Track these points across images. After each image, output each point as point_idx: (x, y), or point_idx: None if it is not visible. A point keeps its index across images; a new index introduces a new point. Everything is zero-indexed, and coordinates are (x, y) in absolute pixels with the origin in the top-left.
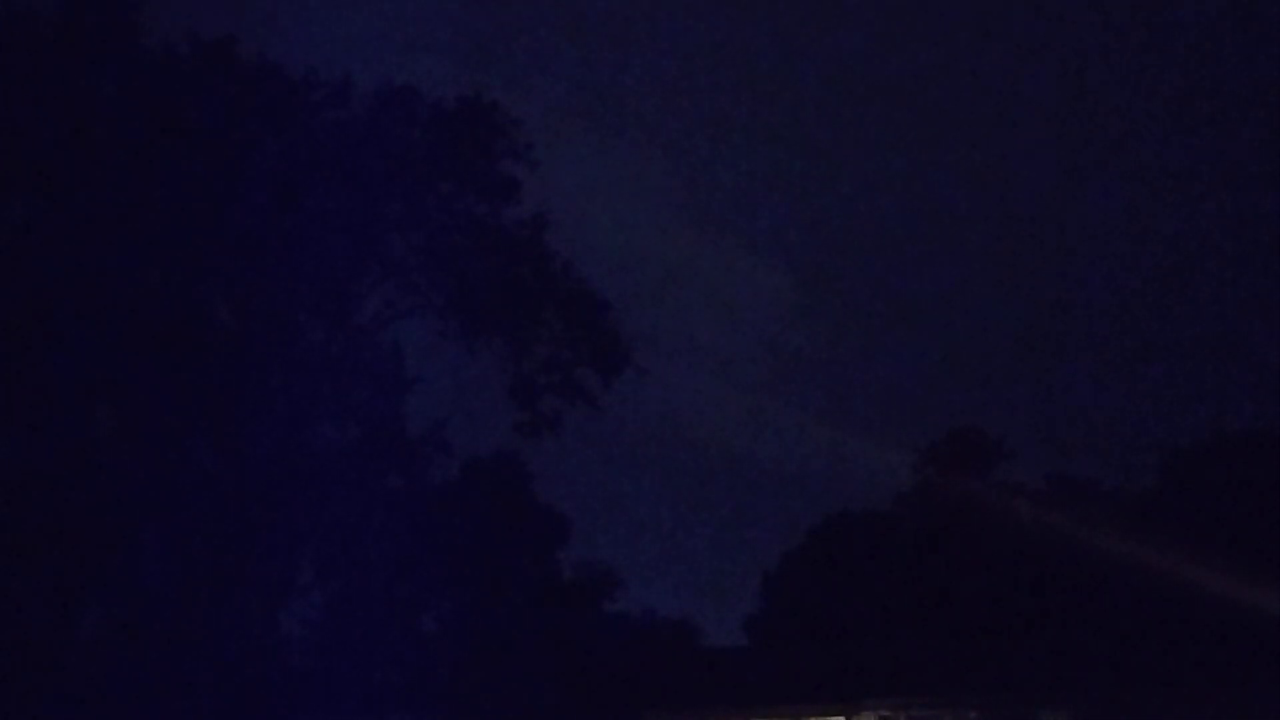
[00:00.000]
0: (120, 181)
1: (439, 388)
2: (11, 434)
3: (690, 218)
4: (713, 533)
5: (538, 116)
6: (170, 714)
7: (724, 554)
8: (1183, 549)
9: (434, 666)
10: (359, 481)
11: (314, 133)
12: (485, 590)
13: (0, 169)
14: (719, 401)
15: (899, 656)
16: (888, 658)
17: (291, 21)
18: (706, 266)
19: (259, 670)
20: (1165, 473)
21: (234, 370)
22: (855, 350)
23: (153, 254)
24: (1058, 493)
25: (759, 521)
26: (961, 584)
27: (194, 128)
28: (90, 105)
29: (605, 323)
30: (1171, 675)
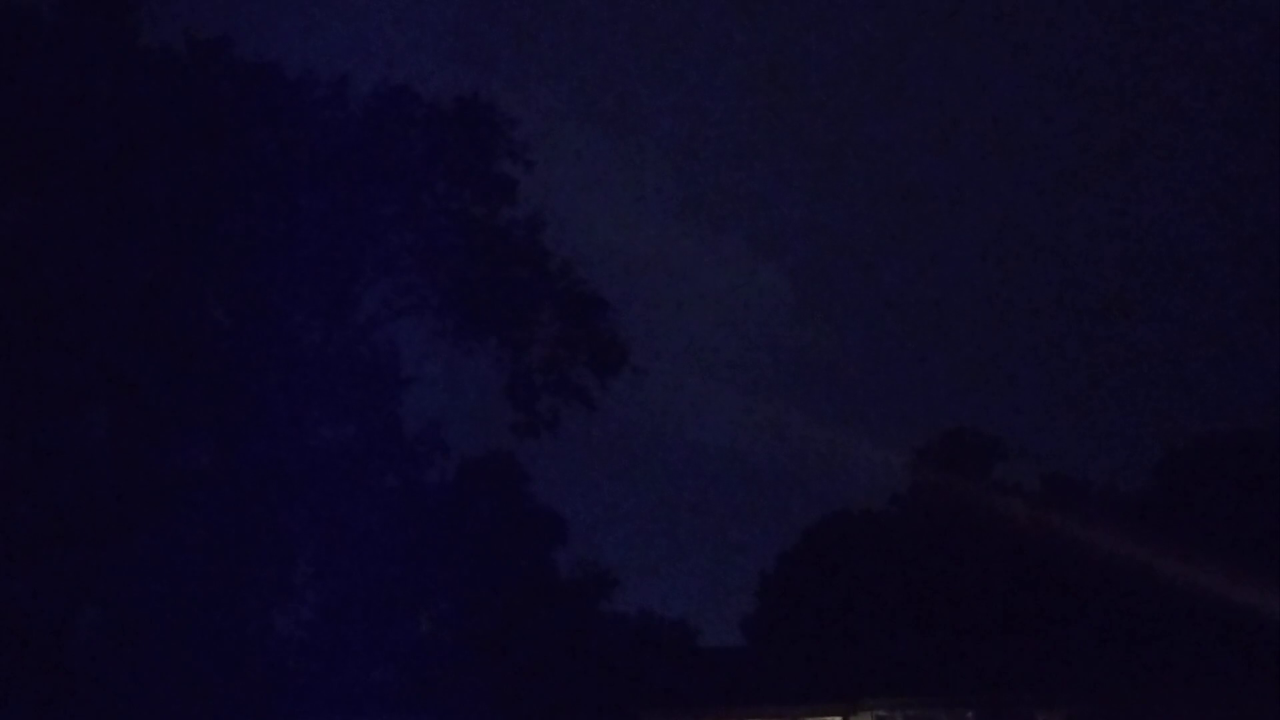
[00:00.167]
0: (116, 180)
1: (435, 387)
2: (6, 433)
3: (687, 217)
4: (710, 533)
5: (535, 116)
6: (167, 714)
7: (721, 554)
8: (1178, 549)
9: (430, 667)
10: (355, 481)
11: (311, 132)
12: (482, 591)
13: None
14: (716, 402)
15: (896, 656)
16: (885, 658)
17: (289, 21)
18: (703, 267)
19: (255, 670)
20: (1161, 473)
21: (230, 369)
22: (852, 351)
23: (148, 253)
24: (1054, 493)
25: (756, 522)
26: (958, 584)
27: (190, 127)
28: (86, 104)
29: (602, 323)
30: (1168, 675)
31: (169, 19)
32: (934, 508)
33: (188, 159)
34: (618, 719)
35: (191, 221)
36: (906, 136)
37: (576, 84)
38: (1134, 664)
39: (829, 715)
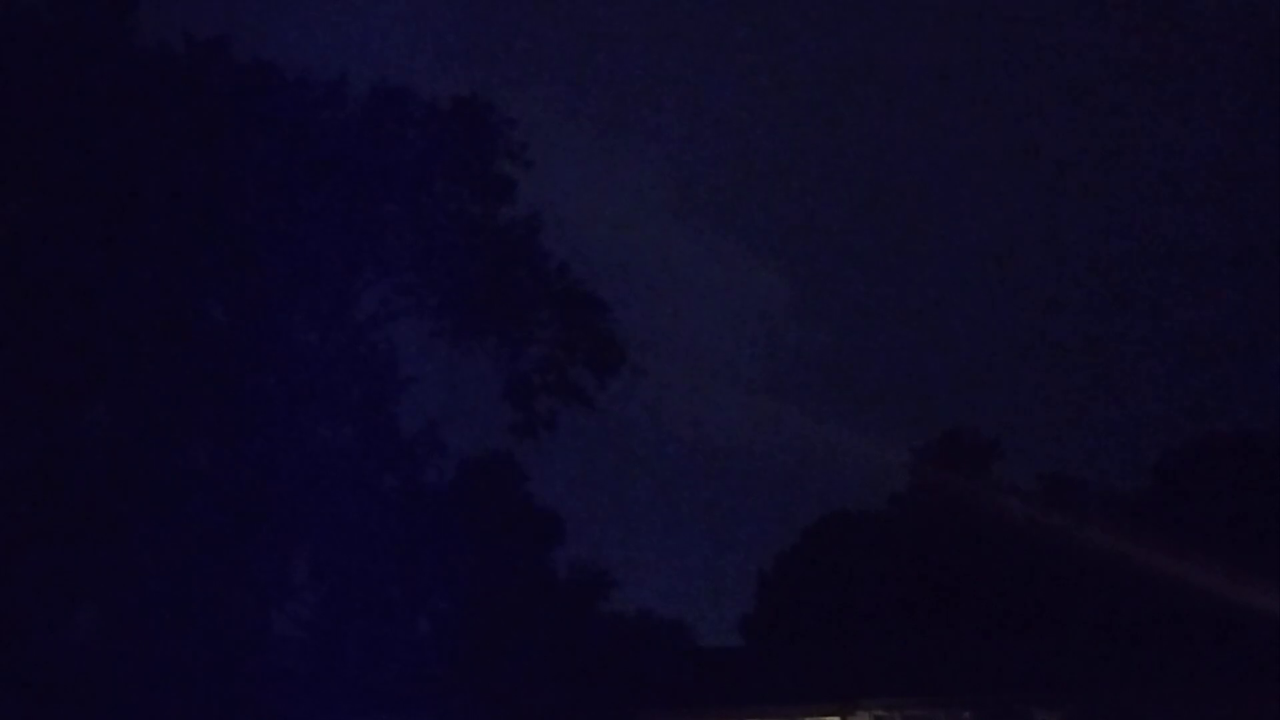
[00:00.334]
0: (114, 180)
1: (433, 388)
2: (3, 431)
3: (686, 217)
4: (708, 533)
5: (533, 116)
6: (164, 713)
7: (719, 554)
8: (1176, 549)
9: (428, 667)
10: (353, 482)
11: (308, 132)
12: (480, 591)
13: None
14: (714, 401)
15: (894, 656)
16: (883, 657)
17: (286, 21)
18: (702, 266)
19: (253, 670)
20: (1159, 473)
21: (228, 369)
22: (850, 350)
23: (146, 253)
24: (1052, 493)
25: (754, 521)
26: (956, 584)
27: (188, 127)
28: (83, 103)
29: (601, 323)
30: (1165, 675)
31: (167, 19)
32: (932, 507)
33: (186, 159)
34: (615, 718)
35: (190, 221)
36: (906, 137)
37: (575, 84)
38: (1132, 664)
39: (827, 715)
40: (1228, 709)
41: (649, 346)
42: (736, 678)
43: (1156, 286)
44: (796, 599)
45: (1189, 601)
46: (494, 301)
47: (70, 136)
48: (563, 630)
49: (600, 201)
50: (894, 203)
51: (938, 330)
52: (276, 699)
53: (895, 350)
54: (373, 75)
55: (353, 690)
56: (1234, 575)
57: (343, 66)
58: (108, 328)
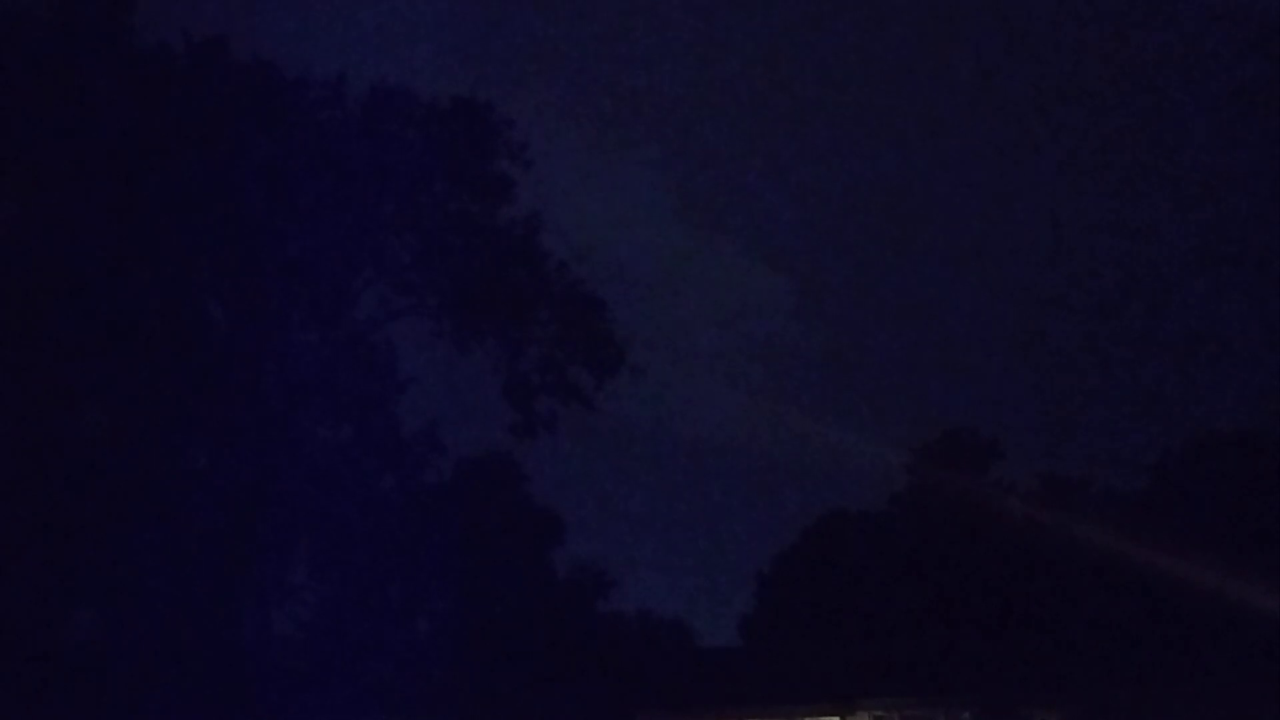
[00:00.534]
0: (114, 181)
1: (433, 388)
2: (3, 433)
3: (685, 217)
4: (707, 532)
5: (531, 116)
6: (163, 714)
7: (718, 554)
8: (1174, 548)
9: (428, 666)
10: (353, 481)
11: (308, 132)
12: (479, 590)
13: None
14: (713, 401)
15: (893, 656)
16: (882, 657)
17: (286, 21)
18: (701, 266)
19: (252, 670)
20: (1157, 473)
21: (228, 370)
22: (849, 350)
23: (146, 253)
24: (1051, 492)
25: (753, 521)
26: (956, 584)
27: (187, 127)
28: (84, 104)
29: (599, 322)
30: (1163, 674)
31: (166, 19)
32: (932, 508)
33: (185, 159)
34: (615, 718)
35: (189, 222)
36: (906, 137)
37: (574, 83)
38: (1131, 663)
39: (826, 715)
40: (1228, 709)
41: (649, 346)
42: (735, 678)
43: (1156, 286)
44: (795, 599)
45: (1189, 601)
46: (494, 301)
47: (70, 136)
48: (562, 630)
49: (600, 201)
50: (894, 203)
51: (938, 330)
52: (276, 698)
53: (895, 350)
54: (372, 75)
55: (352, 688)
56: (1233, 575)
57: (342, 66)
58: (107, 328)
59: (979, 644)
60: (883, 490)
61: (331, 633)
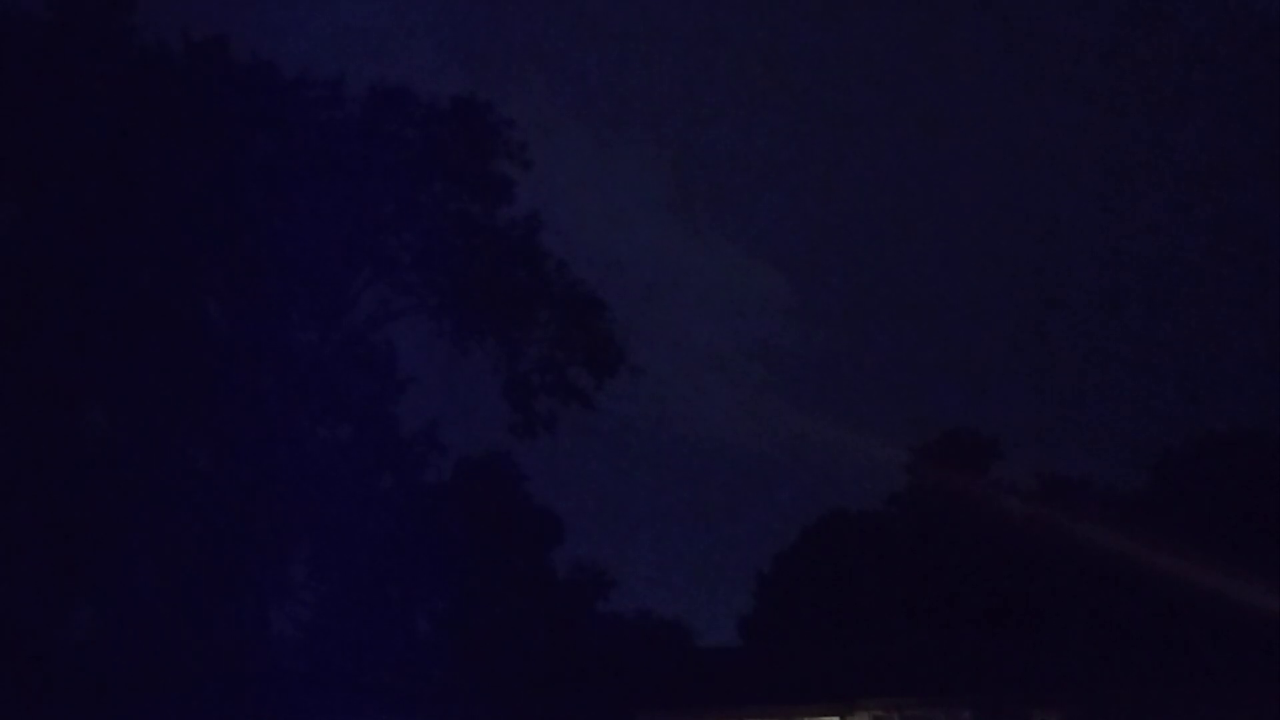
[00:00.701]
0: (113, 181)
1: (433, 387)
2: (4, 433)
3: (684, 217)
4: (707, 532)
5: (531, 116)
6: (162, 714)
7: (718, 553)
8: (1175, 548)
9: (427, 666)
10: (352, 481)
11: (308, 132)
12: (479, 590)
13: None
14: (713, 401)
15: (893, 656)
16: (882, 657)
17: (285, 21)
18: (700, 266)
19: (251, 670)
20: (1157, 472)
21: (227, 370)
22: (849, 350)
23: (145, 253)
24: (1050, 492)
25: (753, 521)
26: (955, 583)
27: (187, 127)
28: (84, 104)
29: (599, 322)
30: (1164, 674)
31: (166, 19)
32: (931, 507)
33: (185, 159)
34: (615, 718)
35: (188, 221)
36: (905, 136)
37: (574, 84)
38: (1130, 663)
39: (826, 715)
40: (1228, 709)
41: (647, 346)
42: (735, 677)
43: (1156, 286)
44: (795, 599)
45: (1188, 601)
46: (493, 301)
47: (69, 136)
48: (561, 630)
49: (600, 201)
50: (894, 203)
51: (936, 330)
52: (275, 697)
53: (894, 350)
54: (372, 75)
55: (351, 688)
56: (1233, 575)
57: (342, 66)
58: (106, 327)
59: (979, 644)
60: (882, 490)
61: (331, 633)
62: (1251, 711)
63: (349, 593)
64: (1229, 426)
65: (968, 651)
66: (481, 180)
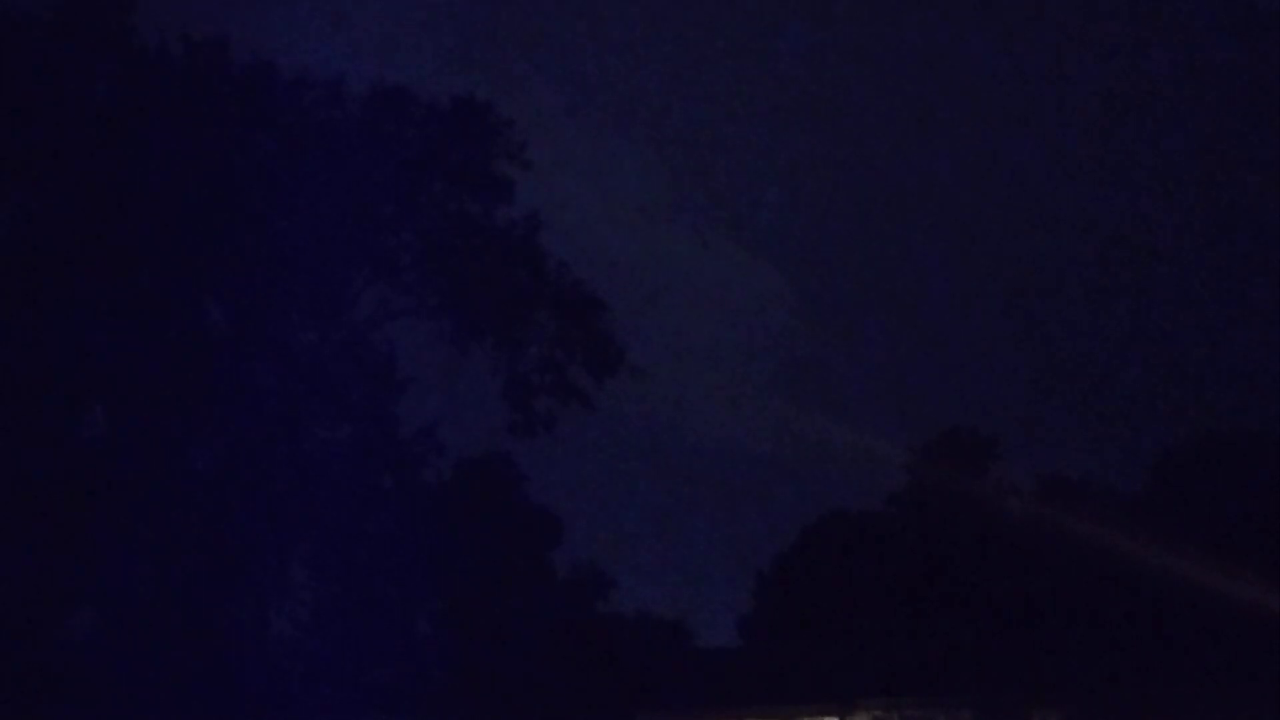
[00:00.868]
0: (113, 181)
1: (432, 388)
2: (3, 433)
3: (684, 217)
4: (706, 533)
5: (531, 116)
6: (162, 714)
7: (717, 554)
8: (1174, 548)
9: (426, 667)
10: (352, 482)
11: (307, 133)
12: (478, 591)
13: None
14: (712, 401)
15: (892, 656)
16: (881, 657)
17: (285, 22)
18: (700, 266)
19: (251, 671)
20: (1157, 473)
21: (227, 370)
22: (848, 350)
23: (145, 254)
24: (1050, 492)
25: (752, 521)
26: (955, 583)
27: (187, 128)
28: (83, 105)
29: (599, 323)
30: (1163, 674)
31: (166, 20)
32: (931, 507)
33: (184, 160)
34: (615, 718)
35: (188, 222)
36: (905, 136)
37: (574, 83)
38: (1130, 663)
39: (825, 715)
40: (1227, 709)
41: (647, 346)
42: (734, 678)
43: (1156, 286)
44: (795, 599)
45: (1188, 601)
46: (492, 302)
47: (69, 136)
48: (561, 630)
49: (600, 201)
50: (894, 203)
51: (938, 330)
52: (274, 698)
53: (894, 350)
54: (371, 76)
55: (350, 689)
56: (1233, 575)
57: (342, 66)
58: (107, 329)
59: (979, 644)
60: (881, 490)
61: (330, 633)
62: (1251, 711)
63: (349, 593)
64: (1229, 426)
65: (967, 652)
66: (481, 180)
